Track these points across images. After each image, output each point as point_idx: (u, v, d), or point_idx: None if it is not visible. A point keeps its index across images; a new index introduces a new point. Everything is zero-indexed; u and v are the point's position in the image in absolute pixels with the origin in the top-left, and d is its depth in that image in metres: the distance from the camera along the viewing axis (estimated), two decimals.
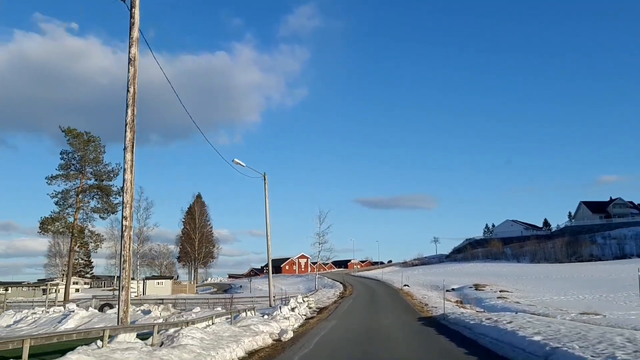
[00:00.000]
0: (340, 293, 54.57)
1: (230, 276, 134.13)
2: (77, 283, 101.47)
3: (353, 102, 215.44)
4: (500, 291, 55.28)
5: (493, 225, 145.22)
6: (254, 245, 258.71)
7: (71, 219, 51.48)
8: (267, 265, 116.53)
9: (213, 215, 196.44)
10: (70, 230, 50.93)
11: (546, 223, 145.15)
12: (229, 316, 20.79)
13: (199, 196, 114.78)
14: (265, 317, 23.70)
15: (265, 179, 40.52)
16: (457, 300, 50.75)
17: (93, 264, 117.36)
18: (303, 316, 28.36)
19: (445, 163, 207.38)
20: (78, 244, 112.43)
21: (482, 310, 35.57)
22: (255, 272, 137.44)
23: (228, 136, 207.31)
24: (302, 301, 35.72)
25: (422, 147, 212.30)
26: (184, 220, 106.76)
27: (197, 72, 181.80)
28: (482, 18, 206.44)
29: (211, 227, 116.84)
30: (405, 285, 63.18)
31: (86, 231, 51.41)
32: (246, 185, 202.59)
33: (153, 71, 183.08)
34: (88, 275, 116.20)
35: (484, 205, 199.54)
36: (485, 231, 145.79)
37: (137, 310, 32.05)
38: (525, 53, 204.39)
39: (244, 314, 23.34)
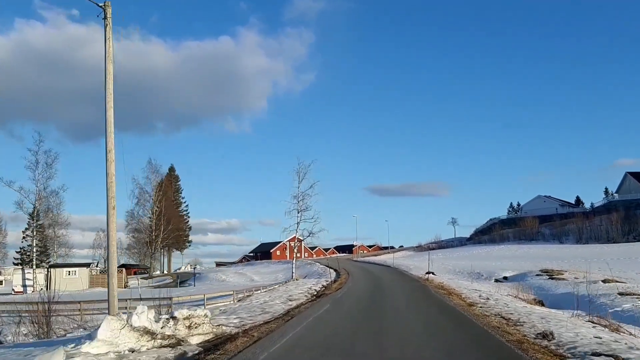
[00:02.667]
0: (321, 287, 29.29)
1: (218, 264, 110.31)
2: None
3: (361, 87, 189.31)
4: (603, 281, 29.44)
5: (518, 205, 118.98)
6: (264, 234, 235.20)
7: None
8: (257, 251, 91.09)
9: (222, 205, 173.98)
10: None
11: (578, 200, 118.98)
12: None
13: (171, 169, 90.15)
14: None
15: (105, 15, 15.90)
16: (535, 300, 25.50)
17: (49, 251, 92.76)
18: None
19: (455, 149, 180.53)
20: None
21: None
22: (247, 259, 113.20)
23: (235, 122, 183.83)
24: (146, 323, 10.30)
25: (433, 133, 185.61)
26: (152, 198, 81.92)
27: (203, 58, 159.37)
28: None
29: (187, 206, 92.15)
30: (429, 273, 37.66)
31: None
32: (251, 171, 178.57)
33: (158, 59, 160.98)
34: (44, 264, 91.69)
35: (503, 185, 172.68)
36: (510, 210, 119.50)
37: None
38: (539, 34, 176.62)
39: None
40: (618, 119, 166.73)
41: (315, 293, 26.33)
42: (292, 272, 40.81)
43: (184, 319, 12.91)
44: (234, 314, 17.86)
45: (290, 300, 22.49)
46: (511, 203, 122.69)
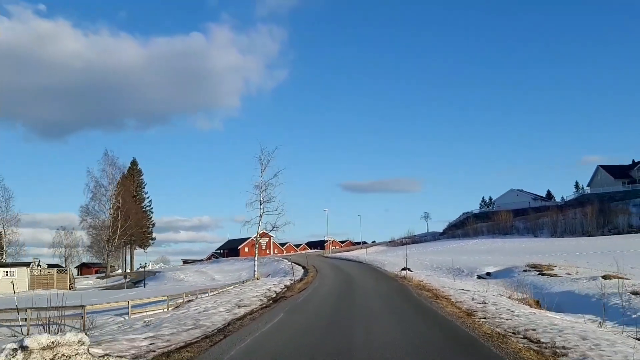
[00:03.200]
0: (282, 289, 24.77)
1: (185, 262, 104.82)
2: None
3: (333, 85, 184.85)
4: (603, 278, 25.53)
5: (490, 199, 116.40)
6: (236, 231, 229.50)
7: None
8: (224, 248, 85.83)
9: (194, 203, 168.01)
10: None
11: (549, 194, 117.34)
12: None
13: (133, 163, 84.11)
14: None
15: None
16: (536, 302, 21.43)
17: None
18: None
19: (425, 146, 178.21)
20: None
21: None
22: (215, 256, 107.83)
23: (207, 120, 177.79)
24: None
25: (404, 130, 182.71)
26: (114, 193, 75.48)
27: (173, 55, 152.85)
28: None
29: (150, 201, 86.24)
30: (405, 270, 33.49)
31: None
32: (231, 172, 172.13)
33: (128, 55, 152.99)
34: None
35: (473, 180, 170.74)
36: (482, 205, 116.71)
37: None
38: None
39: None
40: (585, 117, 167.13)
41: (274, 296, 21.71)
42: (254, 271, 36.02)
43: (42, 349, 8.13)
44: (155, 329, 13.11)
45: (239, 306, 17.82)
46: (483, 197, 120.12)
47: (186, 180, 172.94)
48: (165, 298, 18.31)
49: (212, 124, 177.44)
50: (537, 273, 29.54)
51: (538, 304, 22.28)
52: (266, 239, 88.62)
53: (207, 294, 21.84)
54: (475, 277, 33.04)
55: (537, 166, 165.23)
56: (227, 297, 20.18)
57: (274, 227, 35.74)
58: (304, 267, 43.46)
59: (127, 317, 16.68)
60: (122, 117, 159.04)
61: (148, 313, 17.25)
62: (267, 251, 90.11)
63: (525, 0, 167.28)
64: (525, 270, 31.30)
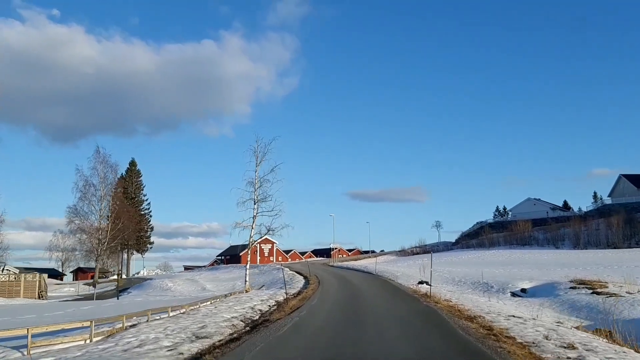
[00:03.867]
0: (270, 307, 19.06)
1: (186, 268, 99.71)
2: None
3: (342, 93, 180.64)
4: None
5: (505, 208, 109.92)
6: (242, 237, 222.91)
7: None
8: (225, 254, 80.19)
9: (203, 209, 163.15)
10: None
11: (566, 204, 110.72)
12: None
13: (132, 164, 78.97)
14: None
15: None
16: (614, 335, 15.17)
17: None
18: None
19: (434, 155, 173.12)
20: None
21: None
22: (218, 262, 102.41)
23: (218, 126, 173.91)
24: None
25: (412, 140, 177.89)
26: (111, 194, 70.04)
27: (184, 62, 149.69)
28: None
29: (149, 204, 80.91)
30: (422, 283, 27.76)
31: None
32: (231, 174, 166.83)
33: (140, 61, 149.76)
34: None
35: (484, 189, 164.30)
36: (496, 214, 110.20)
37: None
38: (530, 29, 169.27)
39: None
40: (593, 132, 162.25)
41: (256, 318, 15.94)
42: (245, 281, 30.16)
43: None
44: None
45: (196, 337, 12.07)
46: (497, 207, 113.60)
47: (195, 186, 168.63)
48: (88, 324, 12.52)
49: (222, 130, 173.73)
50: (590, 291, 23.44)
51: (609, 334, 16.32)
52: (269, 246, 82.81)
53: (166, 314, 16.05)
54: (509, 294, 27.00)
55: (547, 177, 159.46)
56: (187, 321, 14.40)
57: (269, 230, 29.91)
58: (305, 277, 37.72)
59: (24, 353, 11.00)
60: (132, 123, 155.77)
61: (58, 346, 11.53)
62: (270, 258, 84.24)
63: (537, 14, 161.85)
64: (572, 288, 25.17)
